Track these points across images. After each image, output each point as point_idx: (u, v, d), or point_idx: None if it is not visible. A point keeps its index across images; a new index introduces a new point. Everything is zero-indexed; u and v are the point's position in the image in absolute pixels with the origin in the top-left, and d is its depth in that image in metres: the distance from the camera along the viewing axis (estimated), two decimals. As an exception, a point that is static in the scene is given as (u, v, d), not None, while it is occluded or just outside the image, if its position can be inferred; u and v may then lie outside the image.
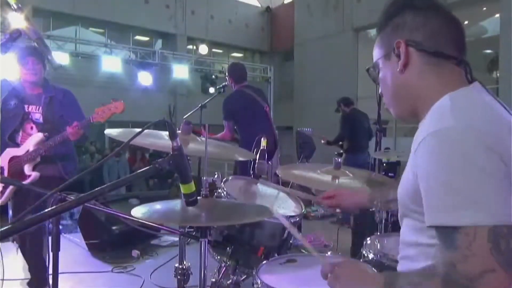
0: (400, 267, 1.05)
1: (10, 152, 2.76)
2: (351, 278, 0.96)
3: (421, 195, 0.86)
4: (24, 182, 2.61)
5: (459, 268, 0.76)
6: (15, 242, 2.87)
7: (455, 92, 0.92)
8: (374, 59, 1.09)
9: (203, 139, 1.67)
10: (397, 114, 1.08)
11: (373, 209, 1.89)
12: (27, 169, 2.68)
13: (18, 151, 2.73)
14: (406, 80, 1.00)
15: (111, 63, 9.54)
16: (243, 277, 1.76)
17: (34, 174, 2.68)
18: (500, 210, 0.76)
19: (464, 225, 0.77)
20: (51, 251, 1.41)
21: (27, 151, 2.69)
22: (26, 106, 2.79)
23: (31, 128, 2.79)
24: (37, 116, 2.79)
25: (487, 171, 0.77)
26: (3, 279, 2.69)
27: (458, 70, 0.97)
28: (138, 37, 14.01)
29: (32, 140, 2.71)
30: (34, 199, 1.46)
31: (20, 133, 2.79)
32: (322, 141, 5.97)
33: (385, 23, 1.05)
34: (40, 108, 2.78)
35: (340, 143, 5.71)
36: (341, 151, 5.70)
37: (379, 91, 1.11)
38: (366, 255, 1.76)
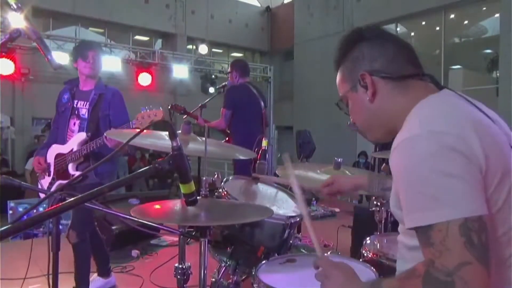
0: (397, 267, 1.07)
1: (56, 148, 2.72)
2: (339, 281, 0.98)
3: None
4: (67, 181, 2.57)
5: (437, 263, 0.80)
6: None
7: (425, 99, 0.98)
8: (341, 93, 1.14)
9: (203, 138, 1.67)
10: (375, 138, 1.13)
11: (373, 205, 1.88)
12: (71, 168, 2.63)
13: (63, 149, 2.68)
14: (378, 108, 1.05)
15: (111, 63, 9.52)
16: (243, 277, 1.77)
17: (79, 174, 2.60)
18: (469, 205, 0.81)
19: (435, 222, 0.81)
20: (51, 251, 1.41)
21: (71, 150, 2.63)
22: (75, 102, 2.74)
23: (74, 124, 2.72)
24: (83, 111, 2.72)
25: (451, 172, 0.83)
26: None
27: (423, 83, 1.04)
28: (138, 37, 14.02)
29: (76, 139, 2.64)
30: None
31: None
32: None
33: (342, 58, 1.11)
34: (87, 104, 2.71)
35: None
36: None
37: (350, 120, 1.15)
38: (365, 254, 1.76)
